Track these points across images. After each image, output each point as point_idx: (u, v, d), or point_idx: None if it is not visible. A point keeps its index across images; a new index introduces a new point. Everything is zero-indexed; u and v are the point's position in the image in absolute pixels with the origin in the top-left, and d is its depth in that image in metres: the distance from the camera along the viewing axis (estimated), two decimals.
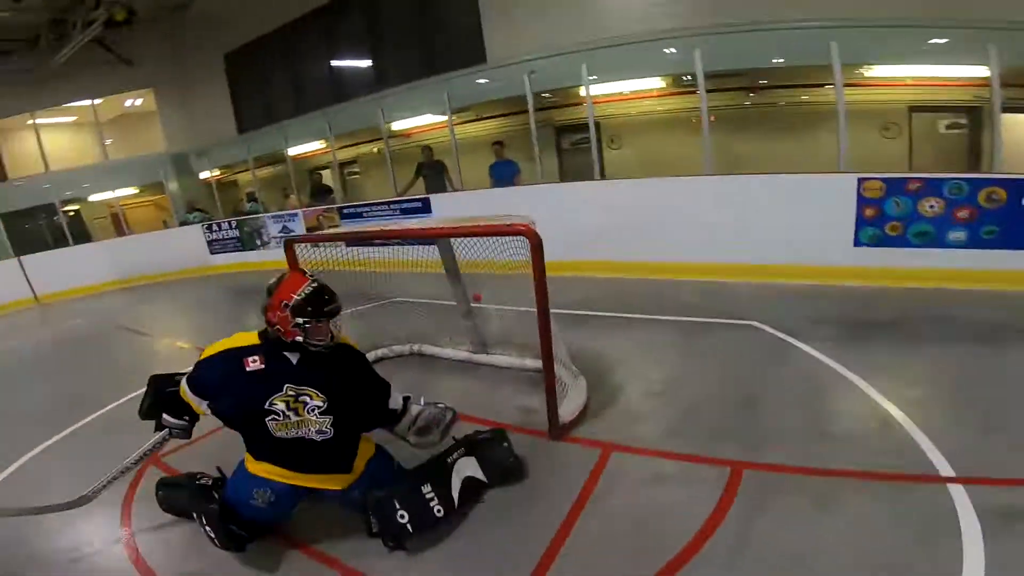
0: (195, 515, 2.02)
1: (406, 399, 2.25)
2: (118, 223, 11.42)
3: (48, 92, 9.81)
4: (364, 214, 7.83)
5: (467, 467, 2.18)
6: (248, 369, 1.83)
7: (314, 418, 1.85)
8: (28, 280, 8.82)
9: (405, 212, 7.35)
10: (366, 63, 8.46)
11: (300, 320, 1.79)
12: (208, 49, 10.01)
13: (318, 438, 1.87)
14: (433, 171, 7.29)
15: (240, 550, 1.96)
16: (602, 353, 3.46)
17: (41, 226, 10.43)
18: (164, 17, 9.54)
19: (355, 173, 10.05)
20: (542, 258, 2.40)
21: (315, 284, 1.88)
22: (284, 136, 9.02)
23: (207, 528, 1.93)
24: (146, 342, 5.76)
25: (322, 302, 1.84)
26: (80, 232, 10.50)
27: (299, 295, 1.81)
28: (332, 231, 3.20)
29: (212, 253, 9.93)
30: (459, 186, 7.06)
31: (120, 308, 7.71)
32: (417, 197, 7.23)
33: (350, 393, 1.95)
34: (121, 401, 3.58)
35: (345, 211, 8.12)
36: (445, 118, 6.96)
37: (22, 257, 8.87)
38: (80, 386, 4.27)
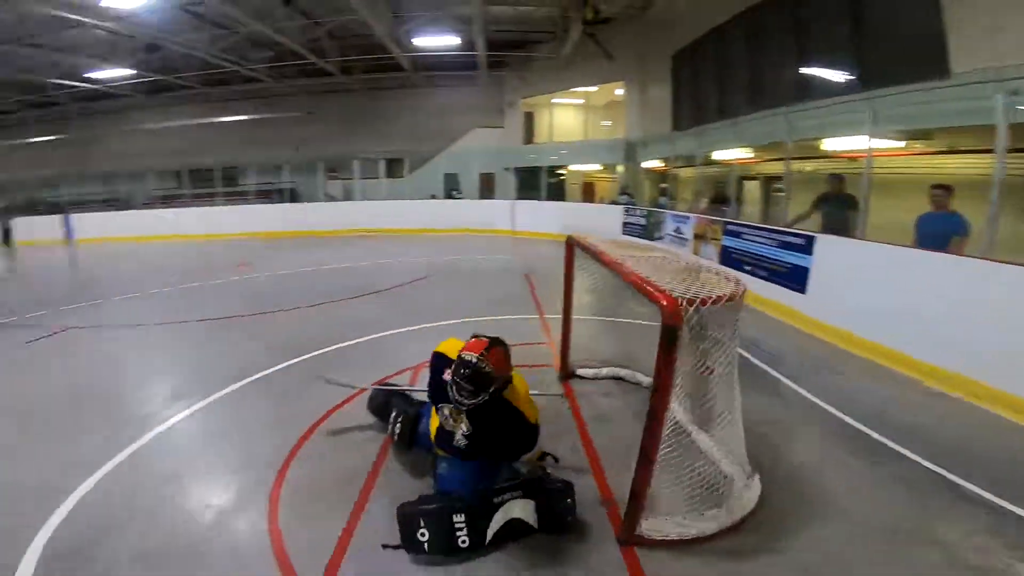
0: (395, 412, 2.87)
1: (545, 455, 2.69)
2: (586, 191, 14.75)
3: (563, 77, 13.43)
4: (743, 235, 7.23)
5: (518, 509, 2.20)
6: (443, 376, 2.42)
7: (460, 431, 2.34)
8: (513, 217, 12.95)
9: (783, 246, 6.35)
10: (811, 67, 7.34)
11: (451, 378, 2.25)
12: (661, 48, 11.13)
13: (461, 443, 2.36)
14: (836, 206, 5.87)
15: (403, 448, 2.81)
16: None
17: (537, 181, 14.71)
18: (635, 16, 11.11)
19: (779, 190, 9.17)
20: (671, 345, 1.93)
21: (471, 361, 2.18)
22: (707, 140, 9.18)
23: (398, 422, 2.79)
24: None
25: (460, 379, 2.19)
26: (557, 192, 14.28)
27: (457, 360, 2.23)
28: (592, 244, 3.40)
29: (623, 234, 11.49)
30: (863, 233, 5.45)
31: (552, 254, 10.30)
32: (804, 232, 6.08)
33: (488, 434, 2.32)
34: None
35: (729, 227, 7.72)
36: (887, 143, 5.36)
37: (515, 201, 13.04)
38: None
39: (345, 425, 3.26)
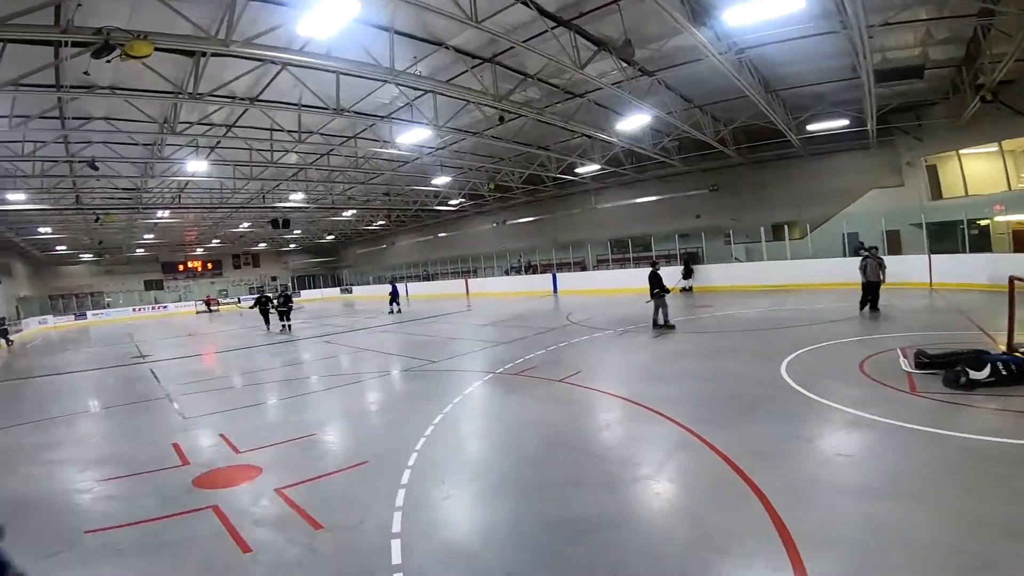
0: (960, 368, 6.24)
1: None
2: (1017, 240, 14.86)
3: (966, 136, 14.71)
4: None
5: None
6: None
7: None
8: (930, 271, 14.52)
9: None
10: None
11: None
12: None
13: None
14: None
15: None
16: None
17: (951, 234, 15.54)
18: None
19: None
20: None
21: None
22: None
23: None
24: None
25: None
26: (981, 244, 14.90)
27: None
28: None
29: None
30: None
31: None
32: None
33: None
34: None
35: None
36: None
37: (932, 255, 14.61)
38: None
39: None
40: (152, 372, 11.19)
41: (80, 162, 13.16)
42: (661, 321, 10.84)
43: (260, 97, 11.18)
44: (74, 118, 10.75)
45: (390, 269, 42.14)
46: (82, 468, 5.23)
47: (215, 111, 11.67)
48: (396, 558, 3.17)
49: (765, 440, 4.63)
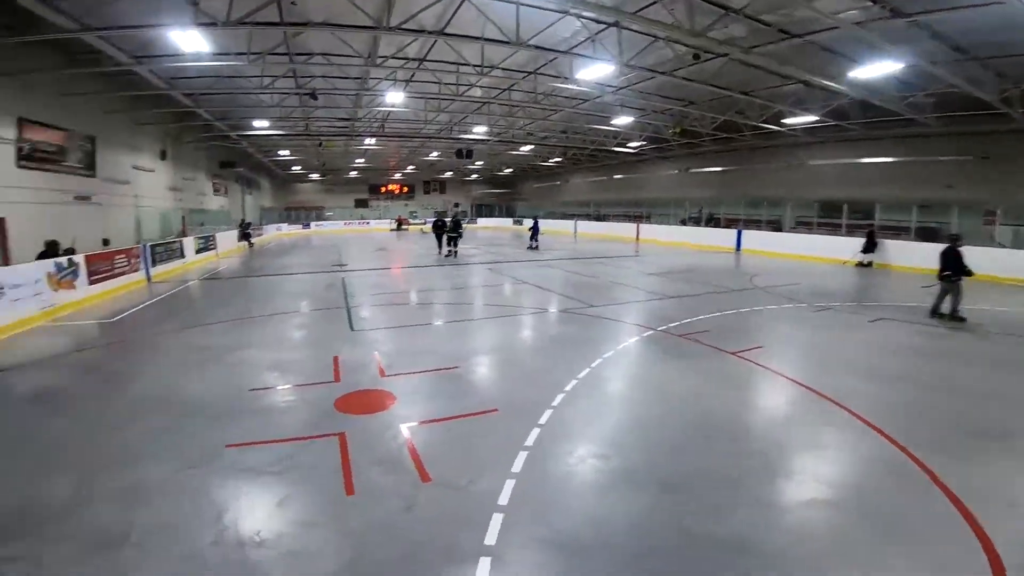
0: None
1: None
2: None
3: None
4: None
5: None
6: None
7: None
8: None
9: None
10: None
11: None
12: None
13: None
14: None
15: None
16: None
17: None
18: None
19: None
20: None
21: None
22: None
23: None
24: None
25: None
26: None
27: None
28: None
29: None
30: None
31: None
32: None
33: None
34: None
35: None
36: None
37: None
38: None
39: None
40: (343, 281, 12.89)
41: (304, 94, 15.03)
42: (946, 310, 8.76)
43: (446, 30, 11.28)
44: (297, 54, 12.16)
45: (563, 206, 42.25)
46: (254, 373, 5.90)
47: (409, 43, 12.17)
48: (491, 538, 2.94)
49: (1018, 485, 3.38)
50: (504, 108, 20.71)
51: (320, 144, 25.11)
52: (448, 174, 49.75)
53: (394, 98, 15.95)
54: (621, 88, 16.99)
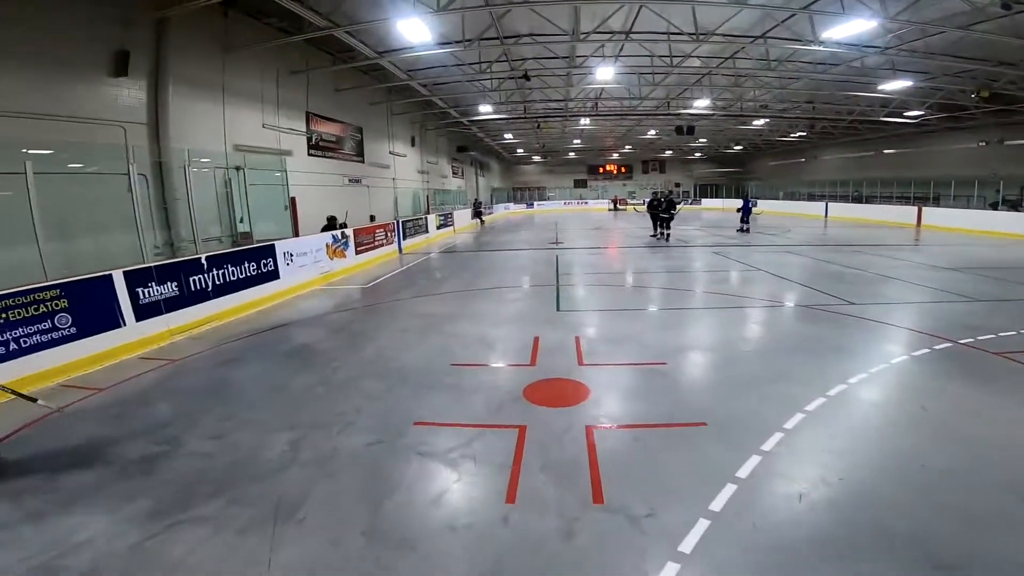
0: None
1: None
2: None
3: None
4: None
5: None
6: None
7: None
8: None
9: None
10: None
11: None
12: None
13: None
14: None
15: None
16: None
17: None
18: None
19: None
20: None
21: None
22: None
23: None
24: None
25: None
26: None
27: None
28: None
29: None
30: None
31: None
32: None
33: None
34: None
35: None
36: None
37: None
38: None
39: None
40: (557, 259, 13.54)
41: (518, 77, 16.02)
42: None
43: None
44: (506, 37, 12.99)
45: (807, 186, 36.56)
46: (461, 346, 6.21)
47: (613, 14, 11.89)
48: None
49: None
50: (729, 79, 18.69)
51: (538, 126, 26.51)
52: (668, 153, 47.47)
53: (604, 74, 15.82)
54: (889, 48, 13.67)
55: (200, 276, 7.80)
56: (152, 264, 7.12)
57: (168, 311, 7.20)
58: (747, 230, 20.45)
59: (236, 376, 5.66)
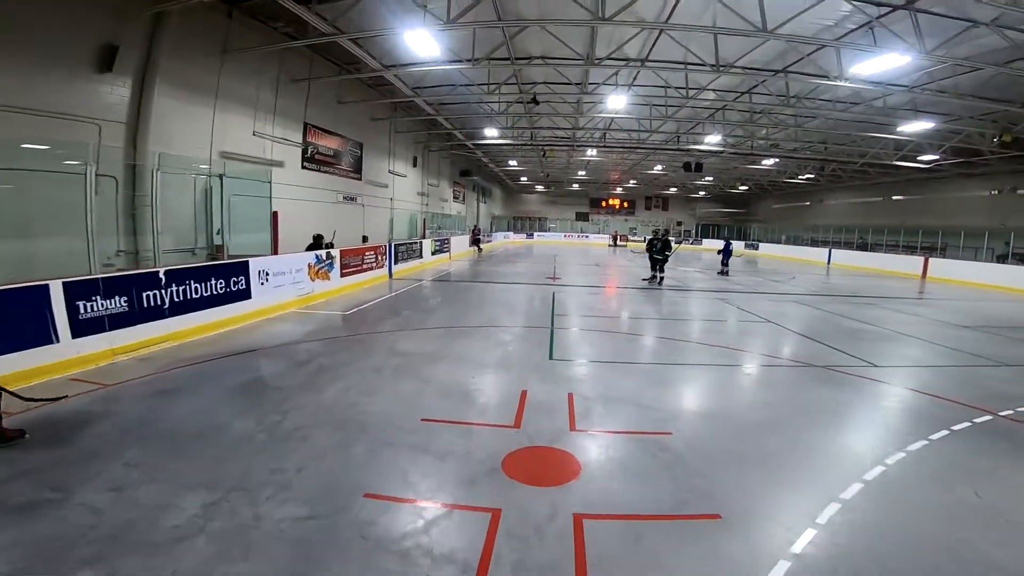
0: None
1: None
2: None
3: None
4: None
5: None
6: None
7: None
8: None
9: None
10: None
11: None
12: None
13: None
14: None
15: None
16: None
17: None
18: None
19: None
20: None
21: None
22: None
23: None
24: None
25: None
26: None
27: None
28: None
29: None
30: None
31: None
32: None
33: None
34: None
35: None
36: None
37: None
38: None
39: None
40: (553, 297, 12.52)
41: (527, 102, 15.55)
42: None
43: (670, 21, 10.17)
44: (518, 59, 12.50)
45: (811, 230, 36.12)
46: (436, 395, 5.32)
47: (629, 40, 11.42)
48: None
49: None
50: (743, 115, 18.31)
51: (544, 154, 26.13)
52: (672, 190, 47.34)
53: (616, 103, 15.36)
54: (917, 87, 13.25)
55: (156, 292, 6.93)
56: (100, 276, 6.27)
57: (113, 328, 6.33)
58: (726, 272, 19.72)
59: (169, 411, 4.75)
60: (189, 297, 7.42)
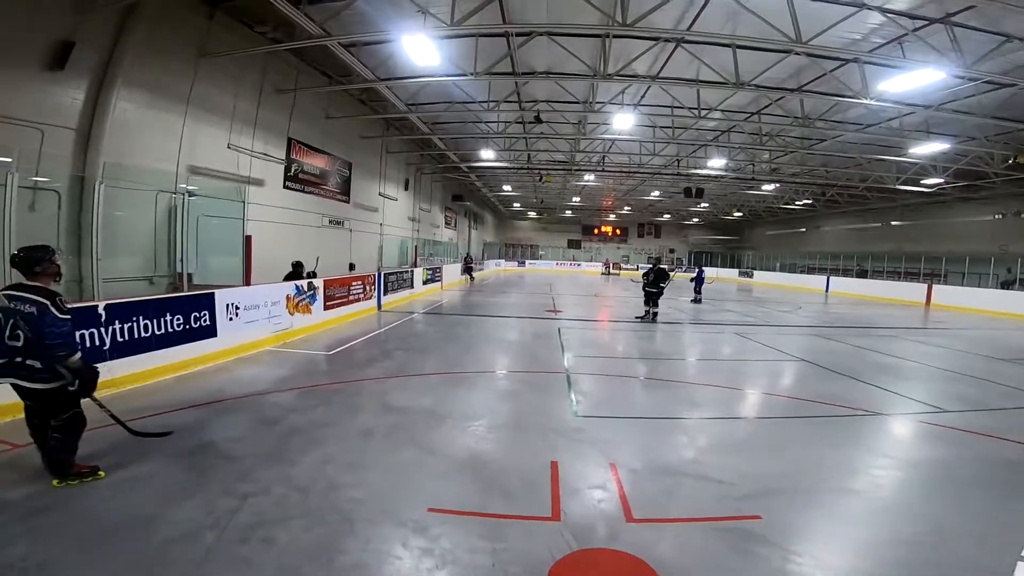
0: None
1: None
2: None
3: None
4: None
5: None
6: None
7: None
8: None
9: None
10: None
11: None
12: None
13: None
14: None
15: None
16: None
17: None
18: None
19: None
20: None
21: None
22: None
23: None
24: None
25: None
26: None
27: None
28: None
29: None
30: None
31: None
32: None
33: None
34: None
35: None
36: None
37: None
38: None
39: None
40: (559, 333, 11.17)
41: (529, 122, 14.70)
42: None
43: (690, 29, 9.42)
44: (522, 74, 11.65)
45: (805, 257, 35.74)
46: (442, 472, 4.09)
47: (639, 56, 10.64)
48: None
49: None
50: (750, 137, 17.70)
51: (541, 178, 25.37)
52: (665, 217, 46.97)
53: (622, 122, 14.56)
54: (940, 105, 12.64)
55: (95, 330, 5.68)
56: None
57: None
58: (700, 300, 18.97)
59: (83, 490, 3.50)
60: (138, 336, 6.16)
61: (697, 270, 20.79)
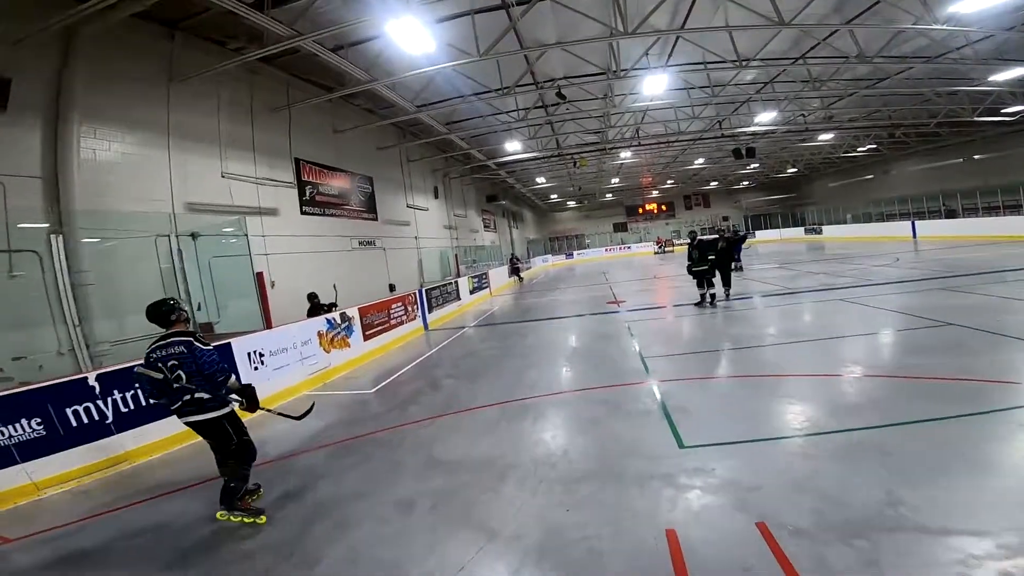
0: None
1: None
2: None
3: None
4: None
5: None
6: None
7: None
8: None
9: None
10: None
11: None
12: None
13: None
14: None
15: None
16: None
17: None
18: None
19: None
20: None
21: None
22: None
23: None
24: None
25: None
26: None
27: None
28: None
29: None
30: None
31: None
32: None
33: None
34: None
35: None
36: None
37: None
38: None
39: None
40: (629, 330, 9.59)
41: (551, 104, 13.55)
42: None
43: None
44: (531, 48, 10.51)
45: (876, 204, 32.45)
46: (509, 565, 2.97)
47: (658, 5, 9.25)
48: None
49: None
50: (799, 85, 15.75)
51: (574, 163, 24.05)
52: (712, 184, 44.27)
53: (652, 86, 13.03)
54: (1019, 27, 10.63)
55: (88, 404, 5.13)
56: None
57: (26, 459, 4.63)
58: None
59: None
60: (144, 403, 5.55)
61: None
